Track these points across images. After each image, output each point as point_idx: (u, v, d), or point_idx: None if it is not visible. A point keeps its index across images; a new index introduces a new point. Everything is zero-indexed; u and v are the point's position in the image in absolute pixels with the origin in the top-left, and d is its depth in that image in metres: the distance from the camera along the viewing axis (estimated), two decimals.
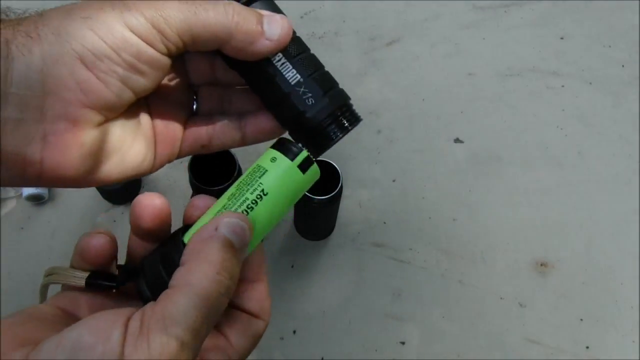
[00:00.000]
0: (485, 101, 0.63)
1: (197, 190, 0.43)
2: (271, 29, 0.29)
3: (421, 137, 0.61)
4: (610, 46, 0.65)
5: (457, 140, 0.61)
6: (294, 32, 0.31)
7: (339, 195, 0.48)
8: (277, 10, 0.31)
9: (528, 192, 0.57)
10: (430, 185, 0.58)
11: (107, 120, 0.27)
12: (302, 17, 0.68)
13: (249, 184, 0.26)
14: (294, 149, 0.28)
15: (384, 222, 0.56)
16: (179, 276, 0.23)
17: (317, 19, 0.68)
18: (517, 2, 0.69)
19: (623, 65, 0.64)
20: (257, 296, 0.29)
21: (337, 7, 0.69)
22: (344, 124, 0.32)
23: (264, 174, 0.27)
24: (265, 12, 0.30)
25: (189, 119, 0.32)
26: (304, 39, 0.32)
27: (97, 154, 0.27)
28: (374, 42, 0.67)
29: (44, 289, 0.28)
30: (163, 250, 0.26)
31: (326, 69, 0.32)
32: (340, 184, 0.47)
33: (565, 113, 0.62)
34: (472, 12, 0.68)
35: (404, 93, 0.63)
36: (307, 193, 0.47)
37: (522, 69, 0.64)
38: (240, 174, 0.44)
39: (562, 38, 0.66)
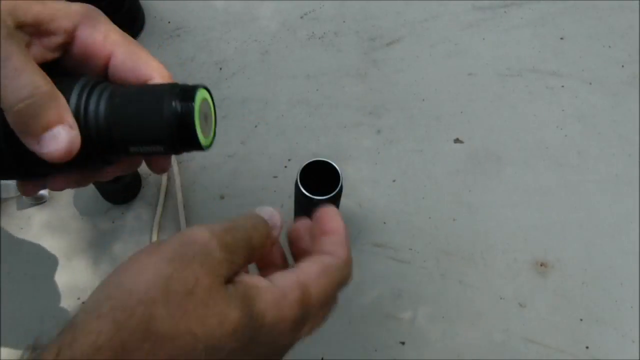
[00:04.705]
0: (485, 101, 0.63)
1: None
2: (45, 145, 0.30)
3: (421, 137, 0.61)
4: (610, 46, 0.65)
5: (457, 141, 0.61)
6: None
7: (339, 195, 0.48)
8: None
9: (528, 192, 0.58)
10: (430, 185, 0.58)
11: None
12: (302, 17, 0.68)
13: None
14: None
15: (384, 222, 0.56)
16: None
17: (317, 19, 0.68)
18: (517, 2, 0.69)
19: (623, 66, 0.64)
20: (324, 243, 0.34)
21: (337, 7, 0.69)
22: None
23: None
24: (61, 120, 0.30)
25: None
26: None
27: None
28: (374, 42, 0.67)
29: None
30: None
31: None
32: (340, 184, 0.47)
33: (565, 113, 0.62)
34: (472, 12, 0.68)
35: (404, 93, 0.63)
36: (306, 193, 0.47)
37: (522, 69, 0.64)
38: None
39: (562, 38, 0.66)
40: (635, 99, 0.62)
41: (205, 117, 0.33)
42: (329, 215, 0.35)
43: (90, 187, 0.57)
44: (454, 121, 0.62)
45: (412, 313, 0.52)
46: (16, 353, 0.52)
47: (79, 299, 0.54)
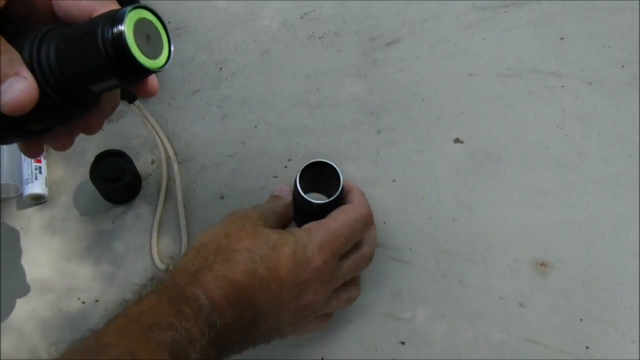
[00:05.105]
0: (485, 101, 0.63)
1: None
2: (5, 94, 0.31)
3: (421, 137, 0.61)
4: (610, 46, 0.65)
5: (457, 140, 0.61)
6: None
7: (339, 199, 0.47)
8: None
9: (528, 192, 0.58)
10: (430, 185, 0.58)
11: None
12: (302, 17, 0.68)
13: None
14: None
15: (384, 222, 0.56)
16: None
17: (317, 19, 0.68)
18: (517, 2, 0.69)
19: (623, 66, 0.64)
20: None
21: (337, 7, 0.69)
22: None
23: None
24: (15, 72, 0.31)
25: None
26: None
27: None
28: (374, 42, 0.67)
29: None
30: None
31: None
32: (340, 188, 0.46)
33: (565, 113, 0.62)
34: (472, 12, 0.68)
35: (404, 93, 0.63)
36: (306, 197, 0.46)
37: (522, 69, 0.64)
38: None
39: (562, 38, 0.66)
40: (635, 99, 0.62)
41: (147, 38, 0.33)
42: (345, 183, 0.48)
43: (90, 187, 0.57)
44: (454, 121, 0.62)
45: (412, 313, 0.52)
46: (16, 353, 0.52)
47: (79, 298, 0.54)
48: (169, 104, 0.63)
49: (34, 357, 0.52)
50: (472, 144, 0.60)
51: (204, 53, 0.66)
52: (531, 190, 0.58)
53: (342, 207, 0.46)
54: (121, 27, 0.31)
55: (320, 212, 0.47)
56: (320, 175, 0.47)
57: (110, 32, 0.31)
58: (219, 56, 0.66)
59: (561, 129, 0.61)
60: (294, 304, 0.42)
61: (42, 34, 0.33)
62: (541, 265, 0.54)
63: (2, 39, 0.32)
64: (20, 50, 0.32)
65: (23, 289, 0.54)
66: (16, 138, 0.38)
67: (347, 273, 0.46)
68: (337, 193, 0.46)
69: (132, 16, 0.32)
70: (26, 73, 0.32)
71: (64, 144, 0.40)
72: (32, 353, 0.52)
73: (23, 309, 0.54)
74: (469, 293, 0.53)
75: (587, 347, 0.50)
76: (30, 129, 0.36)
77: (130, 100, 0.62)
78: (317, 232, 0.42)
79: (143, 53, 0.32)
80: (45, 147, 0.60)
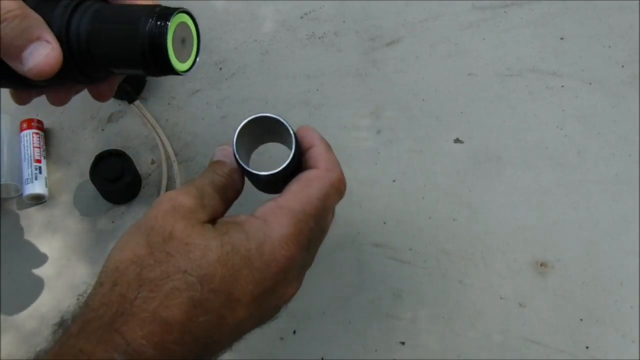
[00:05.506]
0: (485, 101, 0.63)
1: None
2: (26, 63, 0.30)
3: (421, 137, 0.61)
4: (610, 46, 0.65)
5: (457, 141, 0.61)
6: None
7: (292, 166, 0.35)
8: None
9: (528, 192, 0.58)
10: (430, 185, 0.58)
11: None
12: (302, 17, 0.68)
13: None
14: None
15: (384, 222, 0.56)
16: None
17: (317, 19, 0.68)
18: (517, 2, 0.68)
19: (623, 66, 0.64)
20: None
21: (337, 7, 0.69)
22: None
23: None
24: (37, 36, 0.30)
25: None
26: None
27: None
28: (374, 42, 0.67)
29: None
30: None
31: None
32: (293, 152, 0.35)
33: (565, 113, 0.62)
34: (472, 12, 0.68)
35: (404, 93, 0.63)
36: (246, 167, 0.36)
37: (522, 69, 0.64)
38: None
39: (562, 38, 0.66)
40: (635, 99, 0.62)
41: (182, 42, 0.34)
42: (304, 132, 0.37)
43: (90, 187, 0.57)
44: (454, 121, 0.62)
45: (412, 313, 0.52)
46: (16, 353, 0.52)
47: (78, 298, 0.54)
48: (169, 104, 0.63)
49: (33, 357, 0.52)
50: (472, 144, 0.60)
51: (204, 53, 0.66)
52: (531, 190, 0.58)
53: (306, 175, 0.34)
54: (166, 26, 0.31)
55: (276, 181, 0.36)
56: (269, 134, 0.38)
57: (154, 28, 0.31)
58: (219, 56, 0.66)
59: (561, 129, 0.61)
60: (257, 314, 0.32)
61: (75, 3, 0.33)
62: (541, 265, 0.54)
63: (22, 3, 0.31)
64: (49, 15, 0.32)
65: (23, 288, 0.54)
66: (13, 86, 0.38)
67: (314, 252, 0.36)
68: (291, 157, 0.35)
69: (177, 19, 0.32)
70: (49, 37, 0.31)
71: (61, 100, 0.39)
72: (32, 352, 0.52)
73: (23, 308, 0.54)
74: (469, 293, 0.53)
75: (587, 347, 0.50)
76: (31, 84, 0.36)
77: (130, 100, 0.62)
78: (276, 222, 0.32)
79: (175, 55, 0.33)
80: (45, 147, 0.59)
